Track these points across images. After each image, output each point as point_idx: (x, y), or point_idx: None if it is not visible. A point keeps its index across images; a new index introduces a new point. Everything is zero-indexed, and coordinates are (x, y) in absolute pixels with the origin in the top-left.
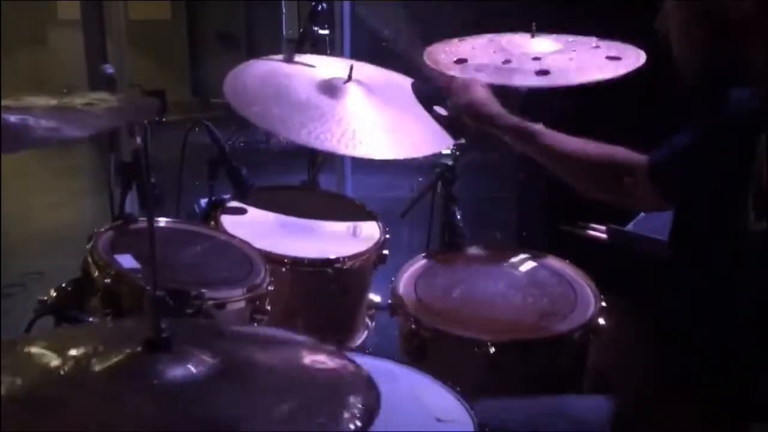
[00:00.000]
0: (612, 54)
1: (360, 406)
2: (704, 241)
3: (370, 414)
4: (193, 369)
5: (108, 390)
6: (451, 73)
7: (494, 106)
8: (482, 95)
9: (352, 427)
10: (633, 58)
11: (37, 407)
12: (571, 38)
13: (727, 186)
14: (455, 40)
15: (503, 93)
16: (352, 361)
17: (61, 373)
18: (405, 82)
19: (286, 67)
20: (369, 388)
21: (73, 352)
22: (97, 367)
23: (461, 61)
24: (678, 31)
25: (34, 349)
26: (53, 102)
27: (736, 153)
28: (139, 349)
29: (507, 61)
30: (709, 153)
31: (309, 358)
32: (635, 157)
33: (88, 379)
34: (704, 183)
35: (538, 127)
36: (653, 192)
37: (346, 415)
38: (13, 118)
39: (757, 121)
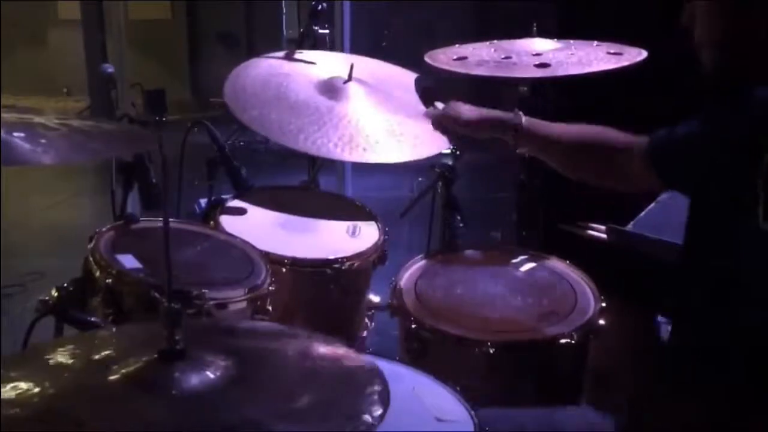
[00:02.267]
0: (613, 51)
1: (377, 392)
2: (713, 239)
3: (386, 398)
4: (210, 375)
5: (126, 402)
6: (451, 68)
7: (473, 113)
8: (459, 109)
9: (374, 414)
10: (634, 54)
11: (54, 421)
12: (572, 41)
13: (733, 180)
14: (456, 46)
15: (504, 93)
16: (353, 351)
17: (78, 384)
18: (406, 77)
19: (287, 67)
20: (376, 375)
21: (88, 360)
22: (113, 378)
23: (461, 59)
24: (703, 22)
25: (51, 358)
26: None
27: (746, 147)
28: (154, 358)
29: (507, 58)
30: (715, 140)
31: (317, 351)
32: (625, 136)
33: (105, 390)
34: (717, 176)
35: (521, 117)
36: (649, 171)
37: (366, 403)
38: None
39: None
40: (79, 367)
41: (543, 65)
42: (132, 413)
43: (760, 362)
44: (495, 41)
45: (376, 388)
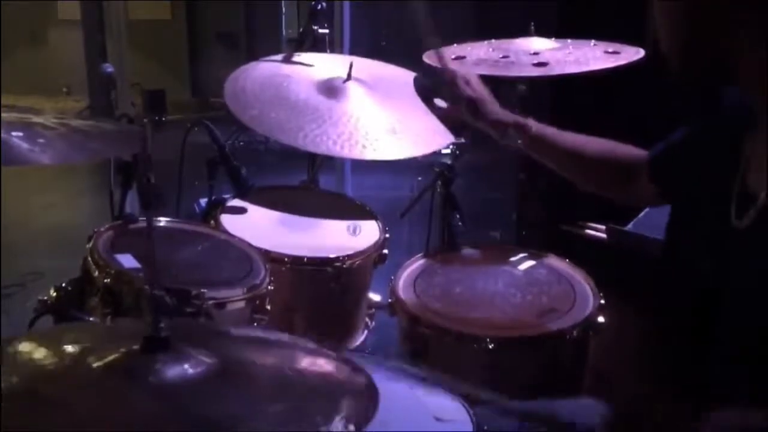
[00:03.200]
0: (610, 50)
1: (355, 408)
2: (695, 239)
3: (366, 416)
4: (190, 369)
5: (105, 388)
6: (449, 67)
7: (493, 105)
8: (481, 92)
9: (348, 429)
10: (632, 53)
11: (35, 405)
12: (569, 40)
13: (717, 183)
14: (454, 45)
15: (502, 91)
16: (352, 363)
17: (58, 370)
18: (406, 76)
19: (286, 68)
20: (366, 390)
21: (69, 349)
22: (95, 365)
23: (460, 58)
24: (662, 26)
25: (30, 347)
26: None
27: (725, 150)
28: (137, 347)
29: (505, 57)
30: (700, 150)
31: (306, 360)
32: (635, 153)
33: (85, 376)
34: (697, 180)
35: (534, 123)
36: (652, 188)
37: (340, 416)
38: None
39: (743, 118)
40: (60, 356)
41: (541, 64)
42: (111, 399)
43: (756, 362)
44: (493, 40)
45: (358, 399)
